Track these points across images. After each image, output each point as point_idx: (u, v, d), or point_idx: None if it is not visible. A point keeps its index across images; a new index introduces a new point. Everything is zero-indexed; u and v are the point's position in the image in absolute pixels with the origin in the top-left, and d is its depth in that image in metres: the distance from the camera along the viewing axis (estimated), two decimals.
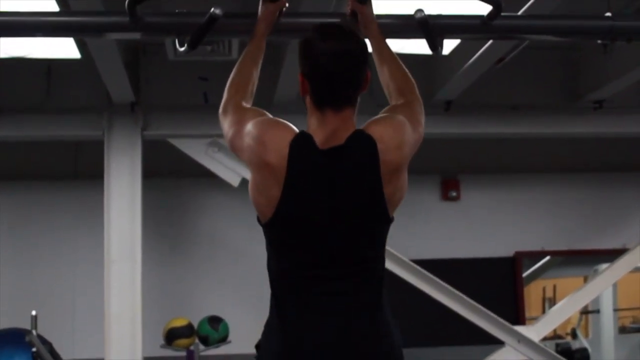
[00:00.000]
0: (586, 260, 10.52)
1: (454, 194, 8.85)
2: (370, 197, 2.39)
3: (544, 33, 3.19)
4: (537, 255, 9.89)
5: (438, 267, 7.92)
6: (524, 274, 9.56)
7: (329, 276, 2.39)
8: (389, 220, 2.45)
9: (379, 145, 2.39)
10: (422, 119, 2.64)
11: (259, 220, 2.46)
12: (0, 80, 6.81)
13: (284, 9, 2.80)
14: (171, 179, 8.29)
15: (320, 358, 2.36)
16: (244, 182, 7.21)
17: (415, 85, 2.74)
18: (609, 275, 8.15)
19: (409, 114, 2.57)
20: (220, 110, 2.66)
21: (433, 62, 6.91)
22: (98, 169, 7.20)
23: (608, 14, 3.07)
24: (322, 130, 2.43)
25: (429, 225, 8.72)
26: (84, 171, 8.16)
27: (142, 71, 7.19)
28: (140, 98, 7.14)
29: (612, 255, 8.47)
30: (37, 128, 7.17)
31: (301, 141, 2.40)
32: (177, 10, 2.95)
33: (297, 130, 2.42)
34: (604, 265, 8.83)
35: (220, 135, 7.54)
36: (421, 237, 8.49)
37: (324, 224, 2.37)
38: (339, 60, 2.41)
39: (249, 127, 2.46)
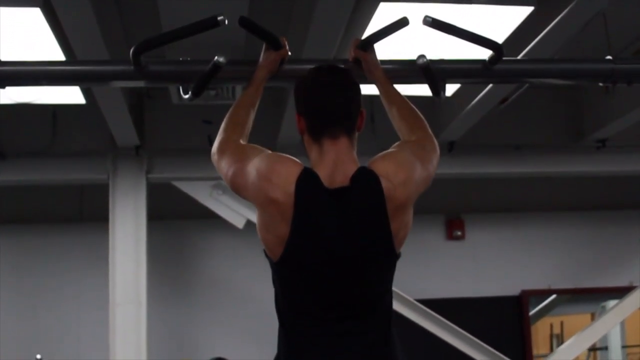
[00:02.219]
0: (593, 296, 10.47)
1: (459, 233, 8.85)
2: (377, 236, 2.37)
3: (546, 77, 3.18)
4: (544, 294, 9.84)
5: (444, 307, 7.90)
6: (531, 313, 9.51)
7: (338, 315, 2.37)
8: (396, 258, 2.44)
9: (384, 183, 2.38)
10: (434, 156, 2.62)
11: (266, 255, 2.44)
12: (5, 125, 6.86)
13: (286, 58, 2.79)
14: (176, 221, 8.31)
15: None
16: (248, 224, 7.21)
17: (427, 124, 2.73)
18: (617, 313, 8.11)
19: (419, 151, 2.56)
20: (215, 149, 2.62)
21: (436, 103, 6.93)
22: (103, 212, 7.20)
23: (609, 57, 3.08)
24: (323, 163, 2.43)
25: (434, 264, 8.71)
26: (88, 214, 8.19)
27: (146, 115, 7.21)
28: (145, 141, 7.16)
29: (619, 292, 8.43)
30: (42, 172, 7.18)
31: (307, 179, 2.37)
32: (180, 59, 2.95)
33: (300, 163, 2.41)
34: (612, 302, 8.77)
35: None
36: (426, 276, 8.48)
37: (332, 264, 2.35)
38: (330, 88, 2.47)
39: (252, 164, 2.44)
